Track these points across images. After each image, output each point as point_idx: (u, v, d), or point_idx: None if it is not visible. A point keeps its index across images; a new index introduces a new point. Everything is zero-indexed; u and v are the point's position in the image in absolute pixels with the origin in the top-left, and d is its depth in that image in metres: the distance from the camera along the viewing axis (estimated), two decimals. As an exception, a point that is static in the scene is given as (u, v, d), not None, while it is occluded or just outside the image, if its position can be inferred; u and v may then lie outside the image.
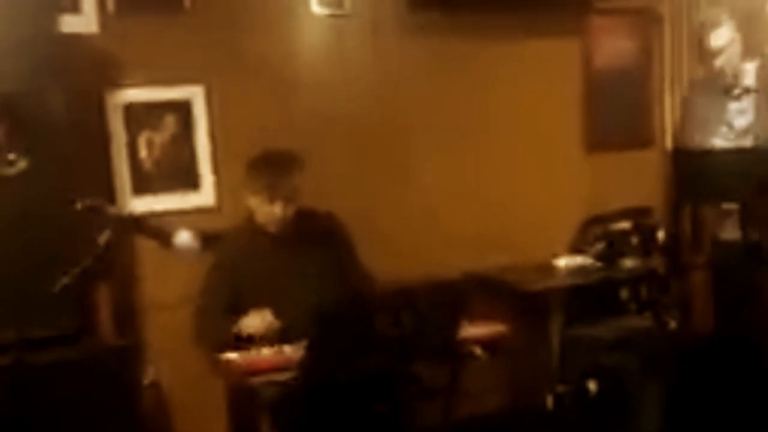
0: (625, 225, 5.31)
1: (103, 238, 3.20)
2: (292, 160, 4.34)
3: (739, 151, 4.88)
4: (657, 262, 5.22)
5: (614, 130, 5.93)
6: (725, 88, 5.01)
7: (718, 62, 4.93)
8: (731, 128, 5.03)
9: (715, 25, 4.91)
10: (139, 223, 3.64)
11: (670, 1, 5.99)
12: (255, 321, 4.13)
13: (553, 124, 5.77)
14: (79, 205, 3.27)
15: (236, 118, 4.97)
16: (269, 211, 4.29)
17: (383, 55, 5.31)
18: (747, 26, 5.06)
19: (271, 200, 4.28)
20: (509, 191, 5.63)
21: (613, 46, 5.90)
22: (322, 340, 3.58)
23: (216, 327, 4.20)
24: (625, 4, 5.84)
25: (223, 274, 4.33)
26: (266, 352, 3.94)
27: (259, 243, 4.35)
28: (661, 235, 5.32)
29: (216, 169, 4.95)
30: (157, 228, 3.55)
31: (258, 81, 5.01)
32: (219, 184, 4.96)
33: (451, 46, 5.44)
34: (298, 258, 4.35)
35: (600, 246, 5.29)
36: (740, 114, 5.02)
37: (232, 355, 3.92)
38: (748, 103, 5.00)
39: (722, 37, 4.90)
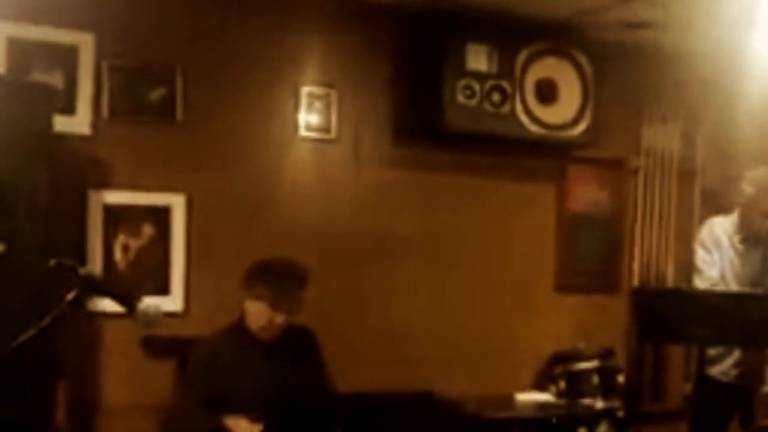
0: (587, 365, 5.39)
1: (71, 296, 3.24)
2: (304, 273, 4.40)
3: (701, 294, 4.95)
4: (616, 404, 5.27)
5: (584, 272, 6.06)
6: (749, 236, 5.13)
7: (739, 215, 5.08)
8: (752, 274, 5.14)
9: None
10: (107, 286, 3.68)
11: (645, 155, 6.19)
12: (244, 424, 4.13)
13: (525, 263, 5.89)
14: (52, 262, 3.33)
15: (214, 229, 5.09)
16: (269, 319, 4.32)
17: (365, 182, 5.46)
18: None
19: (275, 309, 4.30)
20: (478, 323, 5.70)
21: (589, 192, 6.08)
22: None
23: (200, 423, 4.21)
24: (602, 155, 6.03)
25: (203, 373, 4.33)
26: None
27: (244, 345, 4.37)
28: (621, 378, 5.39)
29: (187, 277, 5.04)
30: (123, 292, 3.59)
31: (239, 196, 5.16)
32: (188, 292, 5.04)
33: (431, 180, 5.63)
34: (279, 366, 4.36)
35: (562, 384, 5.35)
36: (762, 261, 5.14)
37: None
38: (757, 251, 5.14)
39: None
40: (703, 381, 5.16)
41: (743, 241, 5.14)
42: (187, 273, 5.04)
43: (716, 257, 5.16)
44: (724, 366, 5.11)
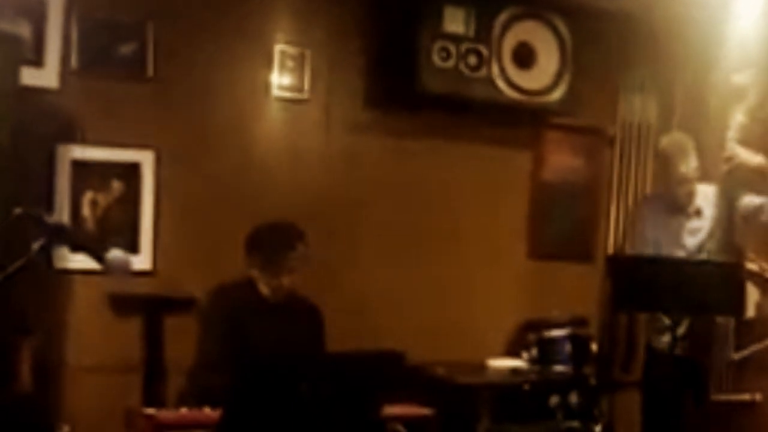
0: (560, 333, 5.34)
1: (38, 244, 3.15)
2: (295, 235, 4.41)
3: (676, 263, 4.90)
4: (589, 372, 5.23)
5: (558, 241, 6.00)
6: (680, 207, 5.09)
7: (684, 188, 5.03)
8: (684, 246, 5.10)
9: (684, 153, 5.01)
10: (75, 235, 3.61)
11: (621, 125, 6.14)
12: None
13: (499, 230, 5.83)
14: (18, 211, 3.24)
15: (184, 187, 5.00)
16: (275, 284, 4.38)
17: (336, 144, 5.37)
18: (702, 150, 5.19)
19: (274, 276, 4.36)
20: (450, 289, 5.63)
21: (564, 161, 6.02)
22: (237, 406, 3.54)
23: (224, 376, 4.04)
24: (578, 123, 5.96)
25: (224, 327, 4.34)
26: (185, 411, 3.91)
27: (255, 305, 4.41)
28: (594, 346, 5.35)
29: (156, 235, 4.95)
30: (91, 241, 3.53)
31: (210, 154, 5.06)
32: (157, 250, 4.95)
33: (405, 143, 5.54)
34: (285, 331, 4.38)
35: (534, 351, 5.31)
36: (693, 233, 5.10)
37: (149, 410, 3.89)
38: (701, 222, 5.09)
39: (690, 165, 5.00)
40: (654, 354, 5.12)
41: (675, 212, 5.11)
42: (156, 231, 4.94)
43: (654, 234, 5.13)
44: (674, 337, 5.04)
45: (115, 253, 3.30)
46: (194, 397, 4.17)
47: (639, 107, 6.17)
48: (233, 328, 4.33)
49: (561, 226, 6.02)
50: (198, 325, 4.52)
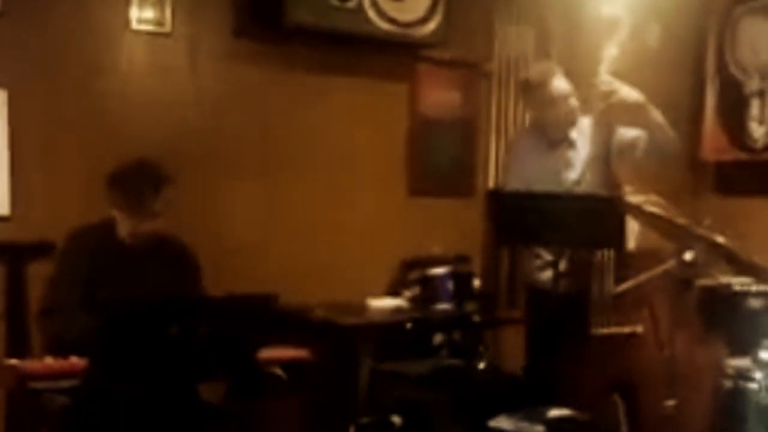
0: (442, 270, 5.22)
1: None
2: (160, 174, 4.13)
3: (556, 197, 4.81)
4: (472, 309, 5.14)
5: (438, 176, 5.91)
6: (556, 140, 5.01)
7: (562, 109, 4.94)
8: (561, 181, 5.03)
9: (556, 76, 4.93)
10: None
11: (498, 59, 6.04)
12: None
13: (377, 165, 5.70)
14: None
15: (40, 127, 4.72)
16: (133, 228, 4.09)
17: (202, 79, 5.15)
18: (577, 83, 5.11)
19: (133, 217, 4.07)
20: (328, 228, 5.50)
21: (441, 95, 5.90)
22: (103, 353, 3.42)
23: (77, 323, 3.86)
24: (453, 56, 5.84)
25: (77, 272, 4.06)
26: (50, 360, 3.67)
27: (112, 248, 4.13)
28: (476, 283, 5.25)
29: (13, 178, 4.65)
30: None
31: (68, 91, 4.79)
32: (14, 193, 4.65)
33: (275, 78, 5.34)
34: (146, 273, 4.12)
35: (416, 289, 5.18)
36: (571, 167, 5.03)
37: (13, 361, 3.67)
38: (577, 156, 5.02)
39: (559, 88, 4.92)
40: (534, 291, 5.07)
41: (551, 146, 5.04)
42: (12, 174, 4.64)
43: (530, 169, 5.05)
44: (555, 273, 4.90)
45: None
46: (50, 345, 3.95)
47: (515, 40, 6.07)
48: (87, 273, 4.04)
49: (440, 161, 5.93)
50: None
